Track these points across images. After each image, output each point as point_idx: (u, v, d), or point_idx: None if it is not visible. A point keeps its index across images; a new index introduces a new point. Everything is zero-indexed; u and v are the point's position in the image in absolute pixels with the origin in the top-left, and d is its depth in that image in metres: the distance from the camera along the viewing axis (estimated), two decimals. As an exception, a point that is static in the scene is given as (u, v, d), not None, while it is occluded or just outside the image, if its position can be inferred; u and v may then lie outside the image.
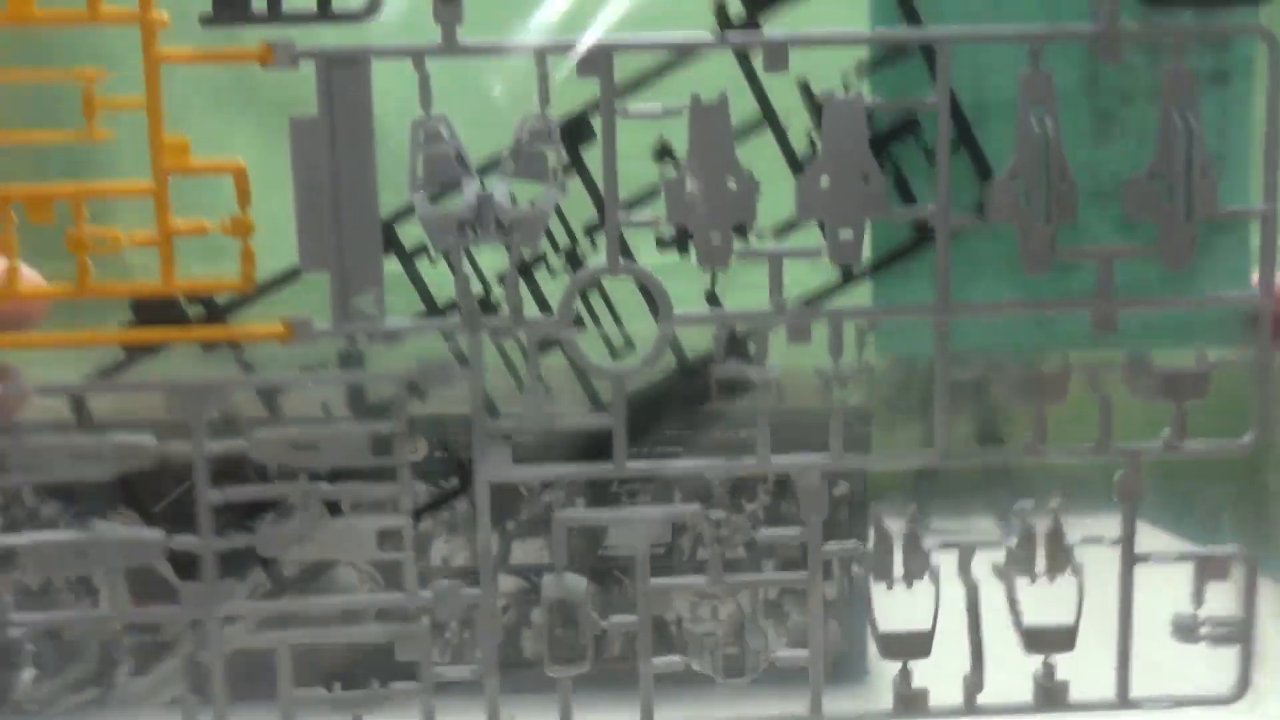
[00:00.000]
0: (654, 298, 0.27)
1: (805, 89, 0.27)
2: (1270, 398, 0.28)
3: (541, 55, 0.26)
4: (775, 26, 0.27)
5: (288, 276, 0.27)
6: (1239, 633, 0.28)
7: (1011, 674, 0.28)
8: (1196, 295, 0.28)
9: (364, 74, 0.26)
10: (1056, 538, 0.28)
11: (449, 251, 0.26)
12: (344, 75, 0.26)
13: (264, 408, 0.27)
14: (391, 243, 0.28)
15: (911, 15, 0.27)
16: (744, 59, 0.27)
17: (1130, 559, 0.28)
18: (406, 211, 0.28)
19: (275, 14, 0.26)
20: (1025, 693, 0.29)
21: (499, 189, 0.26)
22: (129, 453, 0.26)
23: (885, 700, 0.28)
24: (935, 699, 0.28)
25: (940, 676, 0.28)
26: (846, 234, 0.27)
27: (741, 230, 0.27)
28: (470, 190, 0.26)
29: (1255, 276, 0.27)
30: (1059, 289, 0.28)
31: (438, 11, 0.26)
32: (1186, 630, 0.28)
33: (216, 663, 0.27)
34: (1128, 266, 0.28)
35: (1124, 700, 0.29)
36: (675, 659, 0.28)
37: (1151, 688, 0.28)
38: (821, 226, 0.27)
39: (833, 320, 0.27)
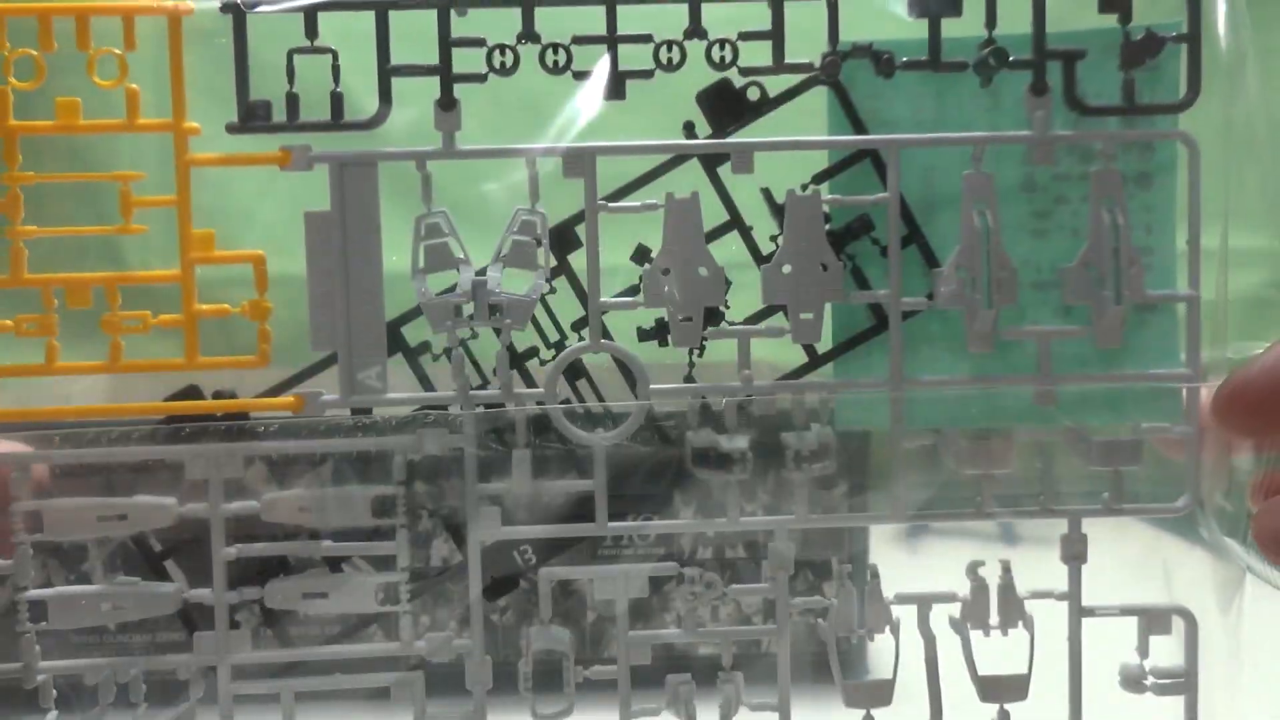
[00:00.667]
0: (632, 374, 0.30)
1: (768, 195, 0.30)
2: (1200, 466, 0.30)
3: (531, 158, 0.29)
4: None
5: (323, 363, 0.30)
6: (1183, 684, 0.30)
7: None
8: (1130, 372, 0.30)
9: (372, 174, 0.29)
10: (1008, 592, 0.30)
11: (445, 332, 0.29)
12: (354, 175, 0.29)
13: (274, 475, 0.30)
14: (397, 341, 0.31)
15: (863, 132, 0.30)
16: (713, 174, 0.31)
17: (1078, 614, 0.30)
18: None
19: (293, 122, 0.29)
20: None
21: (492, 276, 0.29)
22: (151, 513, 0.29)
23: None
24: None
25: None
26: (807, 315, 0.30)
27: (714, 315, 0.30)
28: (466, 277, 0.29)
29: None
30: (1004, 368, 0.30)
31: (438, 120, 0.29)
32: (1133, 681, 0.30)
33: (225, 705, 0.29)
34: (1072, 351, 0.30)
35: (1077, 751, 0.30)
36: (651, 707, 0.30)
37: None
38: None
39: (795, 393, 0.30)
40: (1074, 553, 0.30)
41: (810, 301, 0.29)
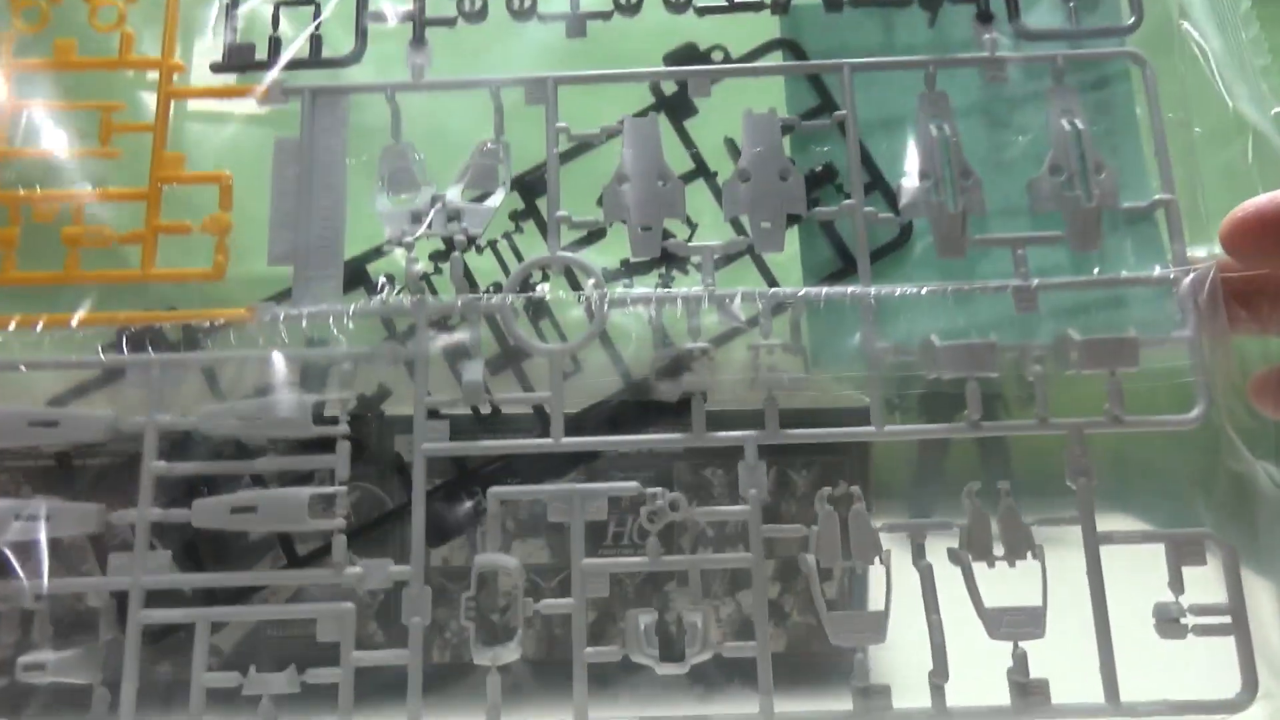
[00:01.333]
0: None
1: (731, 145, 0.31)
2: (1215, 369, 0.27)
3: (495, 90, 0.30)
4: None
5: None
6: (1231, 625, 0.26)
7: (987, 672, 0.26)
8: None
9: (343, 104, 0.30)
10: (1011, 519, 0.27)
11: (400, 239, 0.29)
12: (326, 105, 0.30)
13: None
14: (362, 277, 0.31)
15: (820, 89, 0.31)
16: (679, 126, 0.31)
17: (1093, 540, 0.27)
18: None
19: (274, 60, 0.30)
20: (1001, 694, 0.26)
21: (452, 191, 0.29)
22: (84, 424, 0.27)
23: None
24: (907, 699, 0.26)
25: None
26: (768, 225, 0.29)
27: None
28: (426, 192, 0.29)
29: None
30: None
31: (409, 55, 0.30)
32: (1171, 623, 0.26)
33: (133, 634, 0.26)
34: (1053, 265, 0.29)
35: (1115, 705, 0.26)
36: (613, 648, 0.26)
37: (1140, 684, 0.26)
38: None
39: (762, 300, 0.28)
40: (1080, 468, 0.27)
41: (771, 210, 0.29)
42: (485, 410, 0.29)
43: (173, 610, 0.26)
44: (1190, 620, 0.26)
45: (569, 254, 0.29)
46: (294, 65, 0.31)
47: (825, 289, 0.28)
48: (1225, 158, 0.29)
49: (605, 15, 0.31)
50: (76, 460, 0.29)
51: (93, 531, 0.27)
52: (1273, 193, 0.25)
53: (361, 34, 0.31)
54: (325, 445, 0.27)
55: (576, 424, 0.28)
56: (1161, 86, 0.30)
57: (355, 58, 0.31)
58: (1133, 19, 0.30)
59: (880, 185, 0.30)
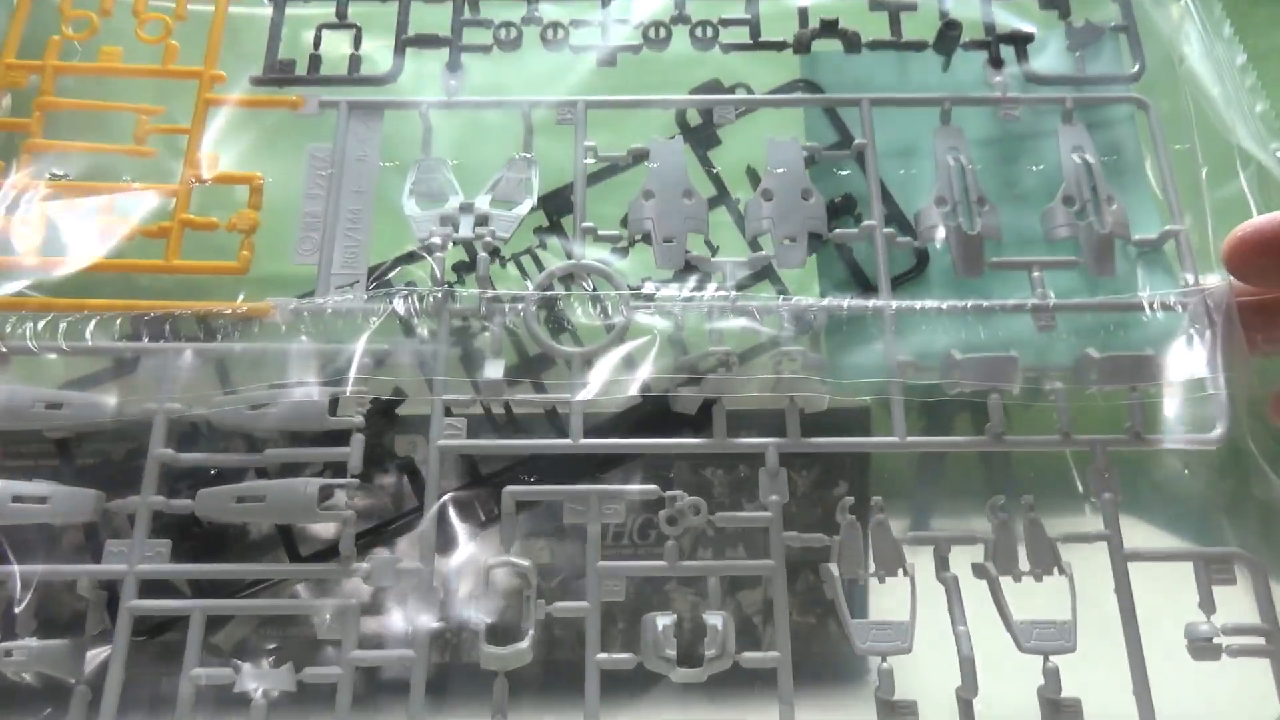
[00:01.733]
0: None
1: (753, 175, 0.32)
2: (1234, 388, 0.27)
3: (527, 110, 0.31)
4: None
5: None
6: (1267, 645, 0.25)
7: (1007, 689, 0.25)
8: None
9: (377, 118, 0.31)
10: (1037, 534, 0.26)
11: (427, 238, 0.29)
12: (361, 118, 0.31)
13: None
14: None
15: (839, 126, 0.32)
16: (703, 157, 0.32)
17: (1120, 558, 0.26)
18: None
19: (314, 75, 0.31)
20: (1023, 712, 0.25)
21: (481, 199, 0.30)
22: (91, 409, 0.27)
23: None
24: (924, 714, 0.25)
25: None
26: (790, 242, 0.29)
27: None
28: (455, 200, 0.30)
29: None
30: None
31: (444, 77, 0.32)
32: (1204, 644, 0.25)
33: (124, 623, 0.24)
34: (1070, 288, 0.29)
35: (1151, 728, 0.25)
36: (627, 656, 0.25)
37: (1166, 705, 0.25)
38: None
39: (784, 308, 0.28)
40: (1105, 486, 0.27)
41: (793, 228, 0.29)
42: (502, 412, 0.29)
43: (167, 601, 0.25)
44: (1224, 641, 0.25)
45: (592, 262, 0.29)
46: (333, 81, 0.31)
47: (848, 300, 0.29)
48: (1230, 191, 0.30)
49: (634, 49, 0.32)
50: (80, 461, 0.28)
51: (90, 519, 0.26)
52: (1273, 213, 0.26)
53: (400, 54, 0.32)
54: (336, 443, 0.27)
55: (595, 433, 0.28)
56: (1165, 119, 0.31)
57: (391, 77, 0.32)
58: (1136, 67, 0.32)
59: (896, 216, 0.31)
